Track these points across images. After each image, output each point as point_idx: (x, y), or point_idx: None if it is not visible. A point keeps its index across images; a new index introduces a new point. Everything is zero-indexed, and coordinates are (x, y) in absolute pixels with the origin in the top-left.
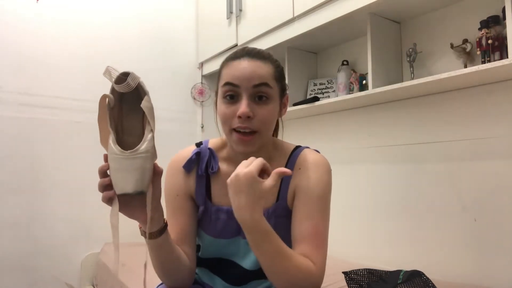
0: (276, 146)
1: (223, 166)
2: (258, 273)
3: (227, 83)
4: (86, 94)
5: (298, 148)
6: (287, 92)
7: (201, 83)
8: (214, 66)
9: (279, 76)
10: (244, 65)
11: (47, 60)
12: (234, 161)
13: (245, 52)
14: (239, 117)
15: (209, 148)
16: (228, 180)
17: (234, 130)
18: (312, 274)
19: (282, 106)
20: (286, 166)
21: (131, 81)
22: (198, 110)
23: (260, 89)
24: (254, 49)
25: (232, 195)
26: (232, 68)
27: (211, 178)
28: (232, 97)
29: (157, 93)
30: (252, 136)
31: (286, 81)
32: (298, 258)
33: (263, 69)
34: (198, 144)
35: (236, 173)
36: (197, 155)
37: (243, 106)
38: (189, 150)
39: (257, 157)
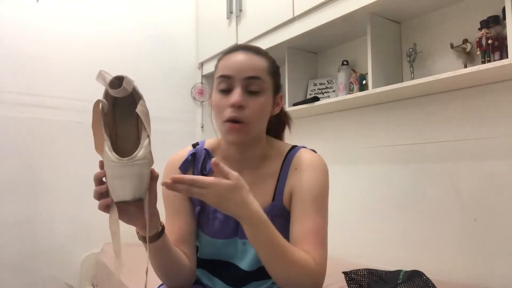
0: (272, 146)
1: None
2: (257, 274)
3: (221, 76)
4: (86, 94)
5: (294, 148)
6: (281, 92)
7: (201, 83)
8: (214, 66)
9: (274, 72)
10: (239, 57)
11: (47, 60)
12: (230, 161)
13: (241, 47)
14: (232, 106)
15: (205, 149)
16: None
17: (226, 121)
18: (311, 269)
19: (276, 105)
20: (282, 166)
21: (127, 86)
22: (198, 110)
23: (253, 81)
24: (252, 45)
25: (223, 205)
26: (227, 61)
27: None
28: (226, 89)
29: (157, 93)
30: (242, 124)
31: (286, 82)
32: (295, 251)
33: (256, 62)
34: (195, 145)
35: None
36: (193, 156)
37: (235, 95)
38: (186, 151)
39: (252, 154)
